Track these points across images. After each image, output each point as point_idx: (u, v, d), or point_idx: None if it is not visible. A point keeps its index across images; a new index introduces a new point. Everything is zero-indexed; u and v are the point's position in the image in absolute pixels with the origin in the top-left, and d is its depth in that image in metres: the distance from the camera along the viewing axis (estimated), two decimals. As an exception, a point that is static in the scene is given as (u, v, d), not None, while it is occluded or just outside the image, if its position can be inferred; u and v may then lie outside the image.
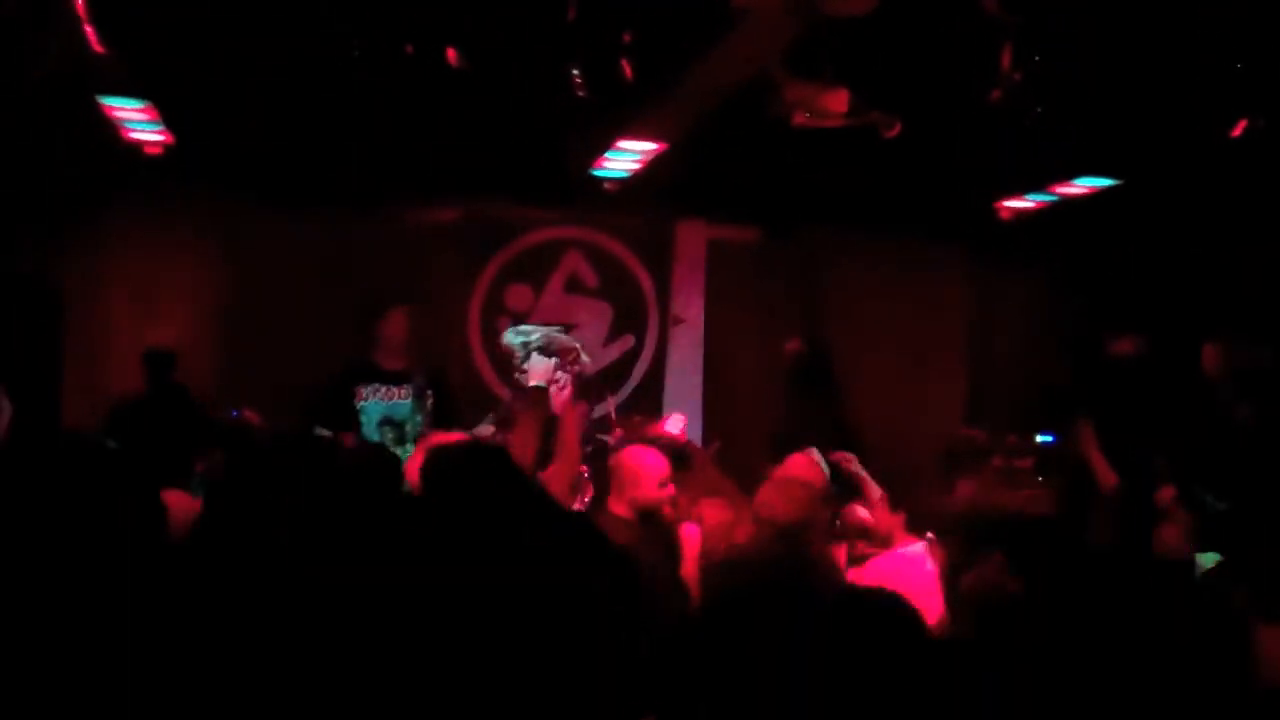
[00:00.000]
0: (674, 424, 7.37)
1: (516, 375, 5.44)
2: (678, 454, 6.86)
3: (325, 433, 6.78)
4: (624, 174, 8.77)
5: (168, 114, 7.72)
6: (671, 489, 5.64)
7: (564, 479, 5.24)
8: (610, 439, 6.98)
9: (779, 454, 7.19)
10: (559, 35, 6.16)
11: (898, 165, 8.21)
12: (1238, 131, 6.83)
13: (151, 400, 8.23)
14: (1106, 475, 6.62)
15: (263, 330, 9.27)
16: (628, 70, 6.27)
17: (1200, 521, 5.78)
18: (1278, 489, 5.89)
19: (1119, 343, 9.17)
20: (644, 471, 5.57)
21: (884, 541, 6.22)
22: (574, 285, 10.36)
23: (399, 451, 6.23)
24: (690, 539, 5.69)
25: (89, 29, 6.05)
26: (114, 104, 7.55)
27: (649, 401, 10.24)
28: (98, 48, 6.24)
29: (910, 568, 5.67)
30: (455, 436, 5.02)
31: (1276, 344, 7.21)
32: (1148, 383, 8.55)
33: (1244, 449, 6.61)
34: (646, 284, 10.47)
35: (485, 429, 6.74)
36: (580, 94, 6.52)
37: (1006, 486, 7.92)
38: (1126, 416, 8.51)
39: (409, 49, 6.24)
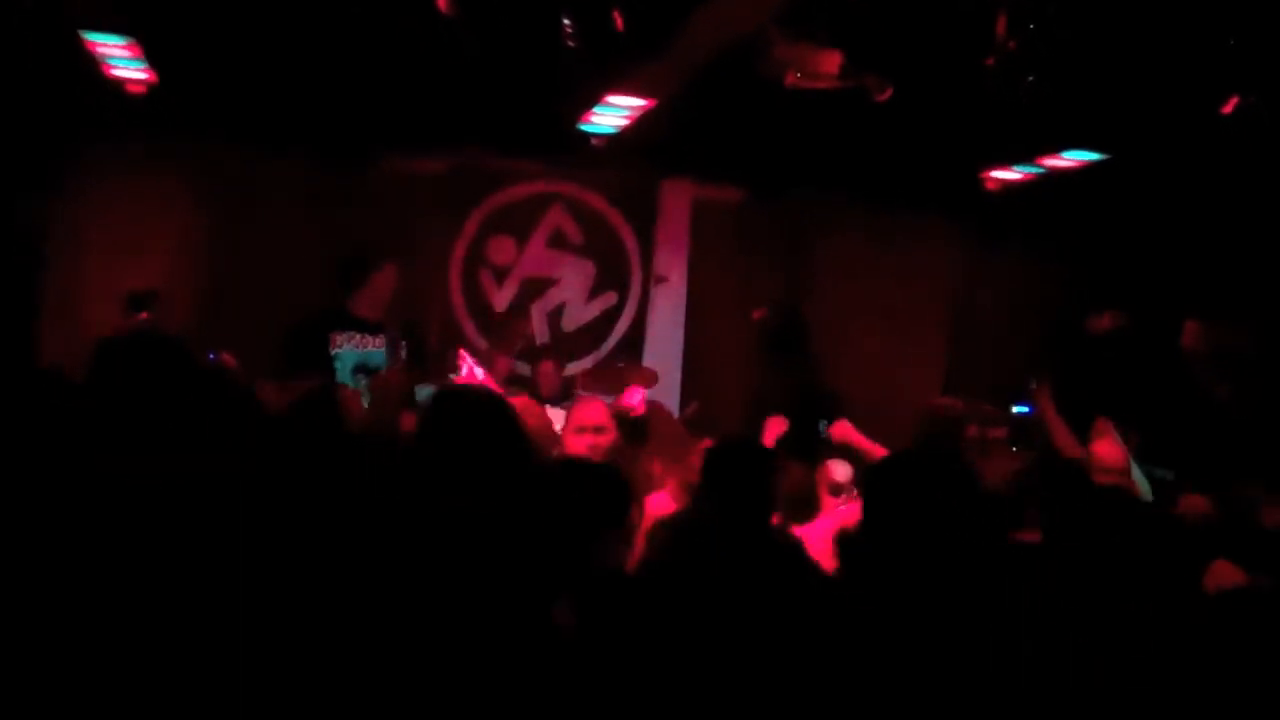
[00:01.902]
0: (633, 396, 7.35)
1: None
2: (633, 425, 6.83)
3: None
4: (611, 130, 8.71)
5: (151, 51, 7.62)
6: None
7: None
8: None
9: (754, 418, 7.21)
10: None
11: (886, 132, 8.18)
12: (1228, 109, 6.81)
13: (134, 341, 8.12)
14: (1064, 438, 6.59)
15: (241, 274, 9.21)
16: (619, 22, 6.22)
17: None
18: (1254, 465, 5.90)
19: (1099, 318, 9.18)
20: None
21: None
22: (557, 240, 10.32)
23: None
24: (657, 508, 5.50)
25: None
26: (97, 40, 7.46)
27: (629, 360, 10.23)
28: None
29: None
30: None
31: (1258, 323, 7.22)
32: (1126, 358, 8.56)
33: (1222, 426, 6.62)
34: (630, 242, 10.44)
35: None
36: (570, 45, 6.46)
37: (981, 456, 7.94)
38: (1103, 391, 8.52)
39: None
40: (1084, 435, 6.62)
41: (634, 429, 7.07)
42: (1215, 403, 6.89)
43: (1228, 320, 7.01)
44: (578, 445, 5.57)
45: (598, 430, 5.67)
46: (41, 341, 8.91)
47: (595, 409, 5.82)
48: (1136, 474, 6.01)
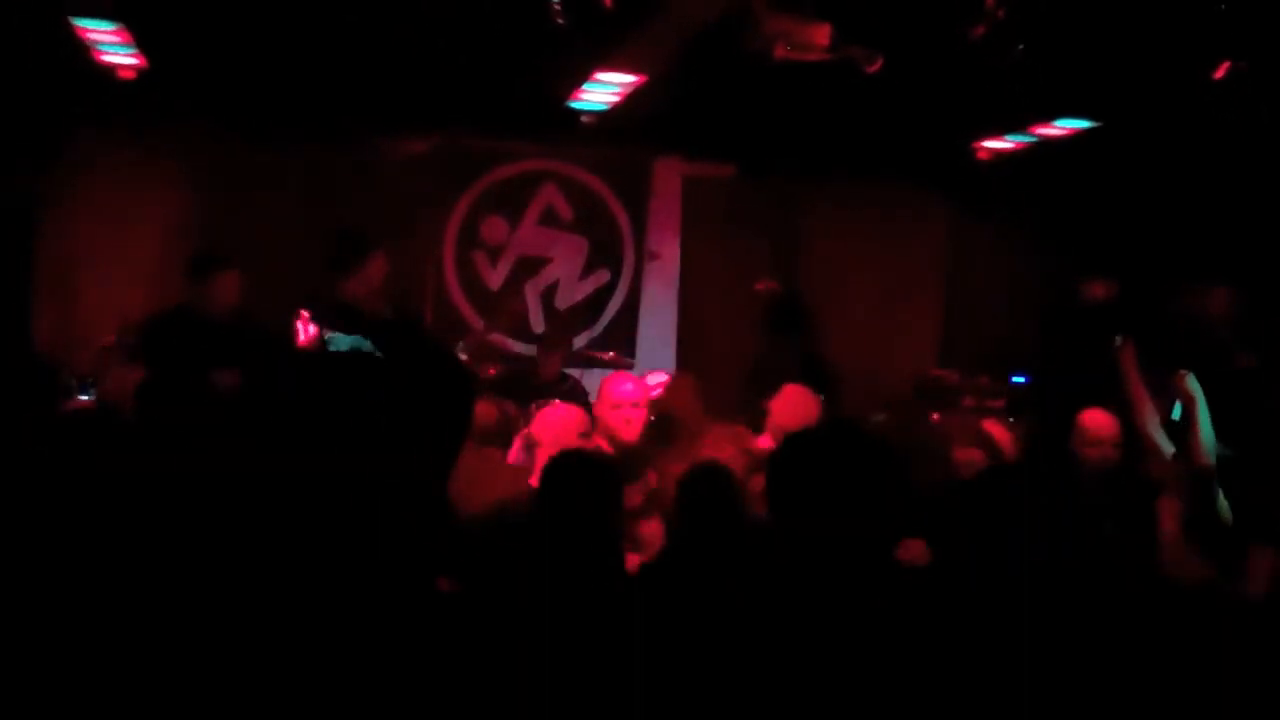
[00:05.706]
0: (653, 379, 7.29)
1: None
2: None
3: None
4: (602, 107, 8.71)
5: (141, 37, 7.61)
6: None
7: None
8: None
9: (755, 391, 7.20)
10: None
11: (877, 104, 8.16)
12: (1220, 74, 6.80)
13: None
14: (1142, 400, 6.33)
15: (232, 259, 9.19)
16: (607, -1, 6.21)
17: None
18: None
19: (1092, 287, 9.18)
20: None
21: None
22: (549, 218, 10.32)
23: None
24: None
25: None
26: (87, 26, 7.44)
27: (623, 337, 10.26)
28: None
29: None
30: None
31: (1250, 289, 7.20)
32: (1119, 328, 8.55)
33: (1246, 396, 6.55)
34: (622, 219, 10.44)
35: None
36: (559, 22, 6.45)
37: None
38: (1097, 361, 8.52)
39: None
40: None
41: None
42: (1238, 371, 6.82)
43: (1252, 288, 6.96)
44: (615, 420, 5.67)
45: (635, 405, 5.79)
46: (37, 324, 8.93)
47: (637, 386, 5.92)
48: (1160, 438, 5.91)
